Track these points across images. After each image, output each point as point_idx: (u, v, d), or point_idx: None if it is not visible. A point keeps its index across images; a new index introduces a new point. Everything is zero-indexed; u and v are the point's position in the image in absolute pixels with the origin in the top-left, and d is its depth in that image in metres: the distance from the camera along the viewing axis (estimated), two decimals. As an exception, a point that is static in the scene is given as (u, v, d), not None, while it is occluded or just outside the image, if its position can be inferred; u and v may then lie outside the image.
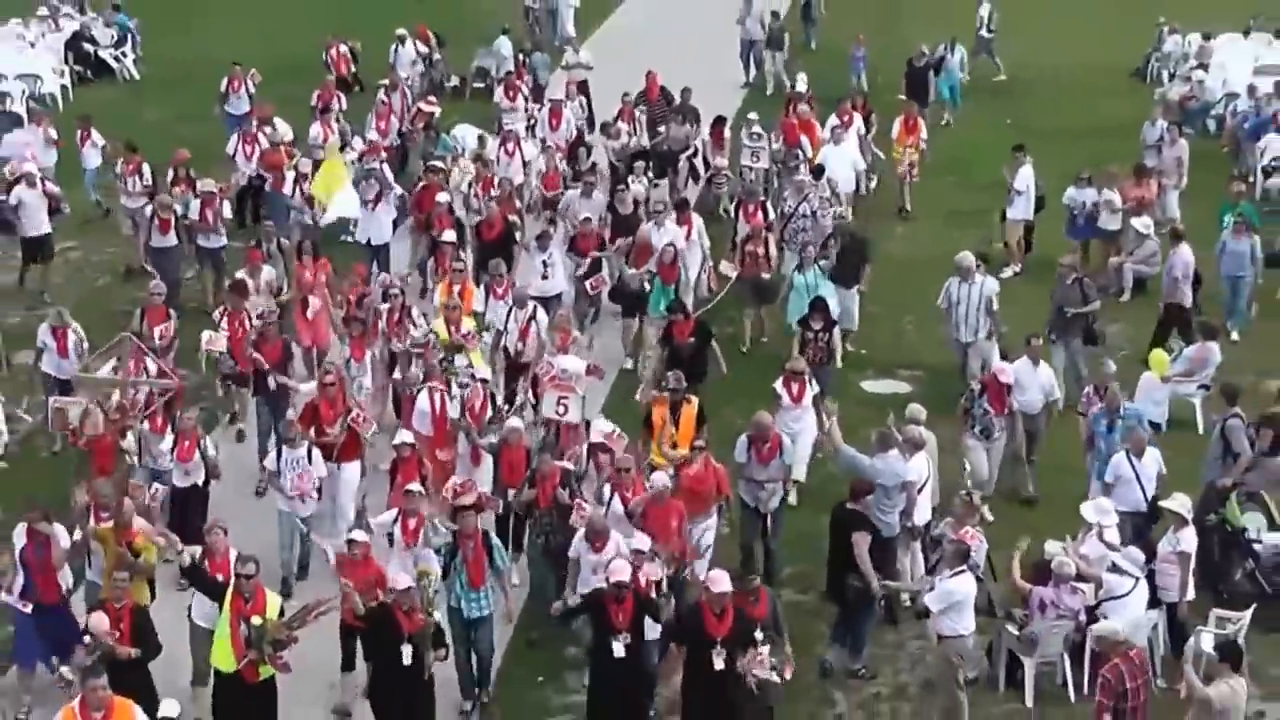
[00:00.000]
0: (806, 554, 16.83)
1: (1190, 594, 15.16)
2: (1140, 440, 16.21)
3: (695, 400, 16.85)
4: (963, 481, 17.03)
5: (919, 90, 31.01)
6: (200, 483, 16.02)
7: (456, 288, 19.32)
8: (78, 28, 35.70)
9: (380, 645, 13.10)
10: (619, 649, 13.09)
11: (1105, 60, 36.40)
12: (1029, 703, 14.79)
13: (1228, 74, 32.48)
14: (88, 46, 35.33)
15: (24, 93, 31.44)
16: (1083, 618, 14.81)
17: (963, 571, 14.04)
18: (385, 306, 18.88)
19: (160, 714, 12.20)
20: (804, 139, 25.94)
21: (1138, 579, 14.96)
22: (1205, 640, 14.64)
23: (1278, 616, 15.75)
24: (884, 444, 16.04)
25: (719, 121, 26.89)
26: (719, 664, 12.80)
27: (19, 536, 13.95)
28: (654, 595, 13.79)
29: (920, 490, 15.93)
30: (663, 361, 18.53)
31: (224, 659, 12.85)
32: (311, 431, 16.19)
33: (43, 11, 35.62)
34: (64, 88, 33.54)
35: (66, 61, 34.45)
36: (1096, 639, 13.35)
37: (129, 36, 36.26)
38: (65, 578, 14.07)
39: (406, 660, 12.89)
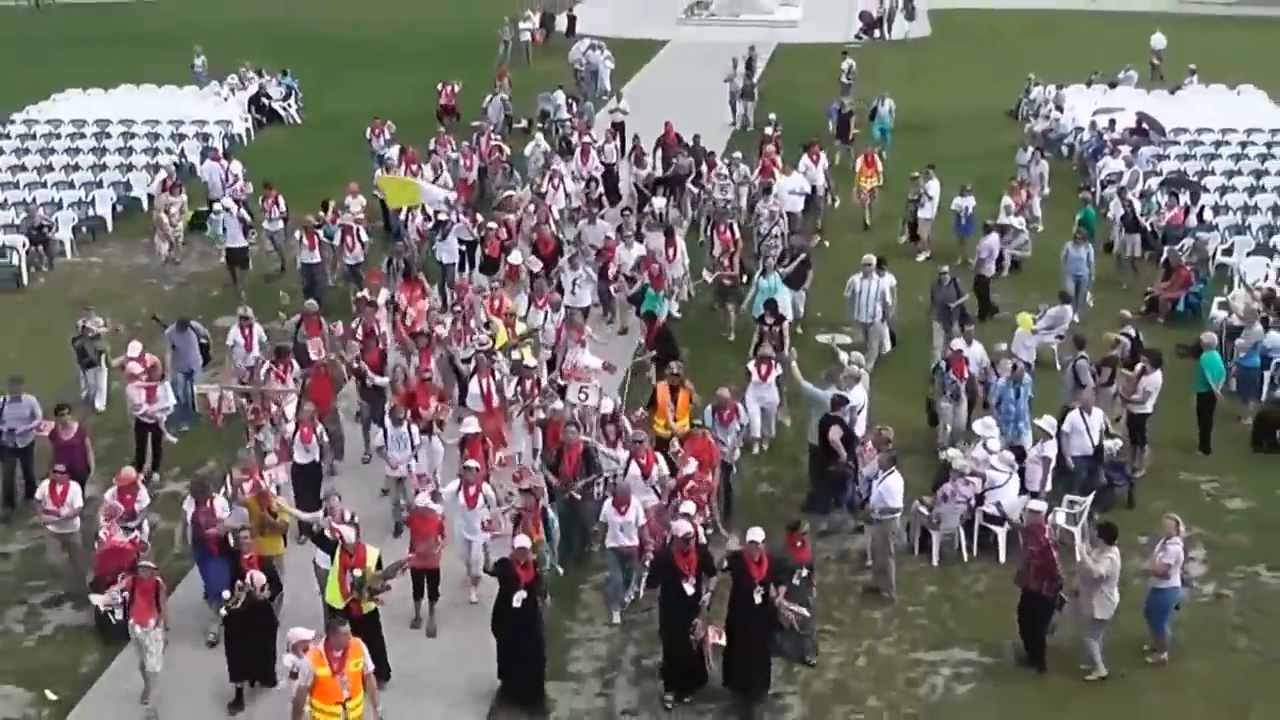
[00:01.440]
0: (777, 461, 17.06)
1: (1049, 486, 15.20)
2: (1089, 400, 15.88)
3: (690, 386, 16.10)
4: (943, 434, 16.88)
5: (844, 131, 30.51)
6: (316, 459, 15.28)
7: (496, 302, 18.62)
8: (257, 87, 35.76)
9: (500, 591, 12.52)
10: (689, 589, 12.25)
11: (989, 104, 36.03)
12: (935, 563, 14.94)
13: (1076, 113, 32.28)
14: (264, 100, 35.30)
15: (221, 133, 31.60)
16: (973, 503, 14.95)
17: (893, 472, 14.16)
18: (448, 319, 18.20)
19: (298, 636, 11.56)
20: (776, 170, 25.39)
21: (1011, 474, 15.05)
22: (1059, 517, 14.76)
23: (1110, 499, 15.86)
24: (831, 379, 16.15)
25: (709, 155, 26.28)
26: (758, 599, 12.22)
27: (189, 505, 13.73)
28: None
29: (858, 413, 15.97)
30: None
31: (334, 598, 12.51)
32: (408, 413, 15.43)
33: (232, 79, 35.78)
34: (248, 130, 33.55)
35: (250, 111, 34.47)
36: (1029, 513, 13.19)
37: (294, 92, 36.19)
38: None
39: (517, 603, 12.25)
